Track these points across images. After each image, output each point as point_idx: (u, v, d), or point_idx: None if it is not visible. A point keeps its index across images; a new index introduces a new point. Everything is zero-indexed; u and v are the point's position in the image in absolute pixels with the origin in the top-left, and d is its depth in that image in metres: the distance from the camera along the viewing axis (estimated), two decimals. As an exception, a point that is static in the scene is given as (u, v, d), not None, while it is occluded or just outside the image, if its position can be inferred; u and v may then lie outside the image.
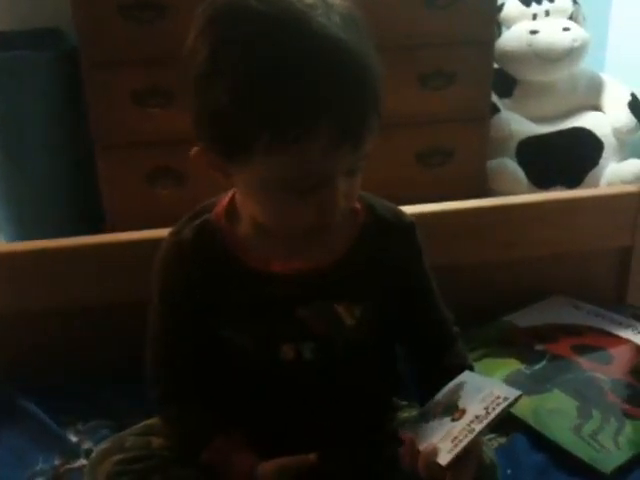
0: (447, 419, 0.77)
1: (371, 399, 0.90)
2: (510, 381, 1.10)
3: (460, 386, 0.80)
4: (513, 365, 1.14)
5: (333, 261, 0.83)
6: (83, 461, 0.98)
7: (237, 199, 0.84)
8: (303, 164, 0.71)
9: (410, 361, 0.92)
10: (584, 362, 1.16)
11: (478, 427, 0.74)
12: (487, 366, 1.14)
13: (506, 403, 0.75)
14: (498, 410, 0.75)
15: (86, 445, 1.02)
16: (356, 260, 0.84)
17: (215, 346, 0.85)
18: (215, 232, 0.83)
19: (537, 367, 1.14)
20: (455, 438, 0.74)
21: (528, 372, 1.13)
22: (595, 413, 1.03)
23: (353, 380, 0.87)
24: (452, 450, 0.73)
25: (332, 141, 0.69)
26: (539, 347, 1.19)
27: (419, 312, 0.89)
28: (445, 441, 0.75)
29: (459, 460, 0.73)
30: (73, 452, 1.01)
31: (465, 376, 0.82)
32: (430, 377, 0.86)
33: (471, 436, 0.73)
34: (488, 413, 0.75)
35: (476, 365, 1.11)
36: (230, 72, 0.69)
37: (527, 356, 1.16)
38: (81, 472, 0.95)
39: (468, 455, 0.74)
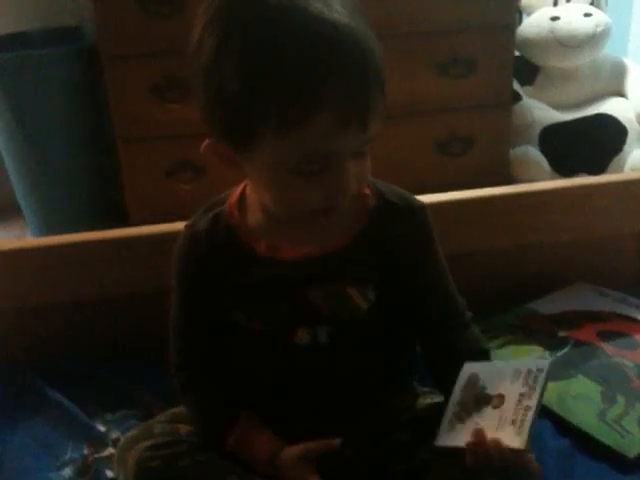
0: (487, 409, 0.77)
1: (385, 384, 0.90)
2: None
3: (474, 378, 0.80)
4: (536, 351, 1.13)
5: (343, 245, 0.84)
6: (111, 450, 0.99)
7: (248, 190, 0.87)
8: (310, 146, 0.72)
9: (423, 346, 0.92)
10: (609, 348, 1.15)
11: (532, 402, 0.74)
12: (510, 353, 1.13)
13: (544, 373, 0.76)
14: (541, 381, 0.75)
15: (114, 434, 1.03)
16: (366, 244, 0.85)
17: (231, 332, 0.87)
18: (228, 223, 0.86)
19: (561, 353, 1.13)
20: (514, 421, 0.74)
21: (552, 358, 1.12)
22: (619, 398, 1.03)
23: (368, 364, 0.87)
24: (521, 431, 0.72)
25: (338, 122, 0.71)
26: (562, 333, 1.18)
27: (430, 295, 0.89)
28: (504, 427, 0.74)
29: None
30: (101, 441, 1.02)
31: (470, 368, 0.81)
32: (445, 361, 0.86)
33: (531, 412, 0.73)
34: (532, 387, 0.75)
35: (499, 352, 1.13)
36: (236, 58, 0.71)
37: (550, 342, 1.16)
38: (110, 461, 0.97)
39: None
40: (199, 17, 0.76)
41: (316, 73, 0.69)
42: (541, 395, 0.74)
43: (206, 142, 0.80)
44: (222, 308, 0.87)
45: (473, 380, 0.80)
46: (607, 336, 1.18)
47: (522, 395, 0.75)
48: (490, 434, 0.74)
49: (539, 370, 0.76)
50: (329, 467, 0.81)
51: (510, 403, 0.75)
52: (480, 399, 0.78)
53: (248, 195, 0.87)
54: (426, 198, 1.16)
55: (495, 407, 0.76)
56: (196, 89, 0.77)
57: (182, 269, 0.89)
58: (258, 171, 0.78)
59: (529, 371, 0.77)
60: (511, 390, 0.76)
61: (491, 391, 0.78)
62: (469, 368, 0.81)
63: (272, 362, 0.87)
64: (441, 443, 0.77)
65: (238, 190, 0.88)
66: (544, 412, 1.01)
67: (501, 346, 1.15)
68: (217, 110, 0.75)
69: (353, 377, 0.87)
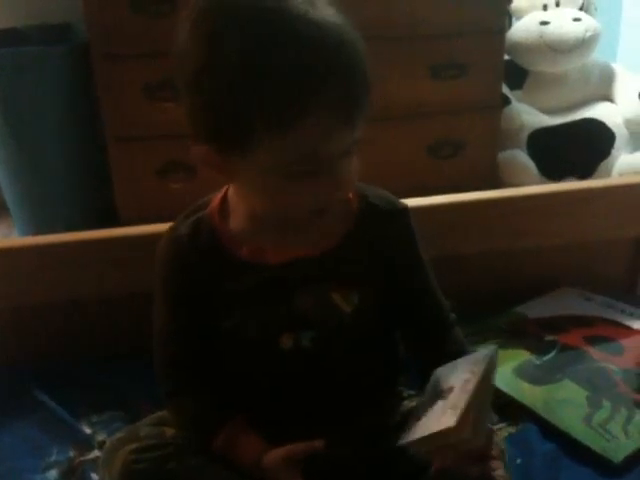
0: (438, 402, 0.78)
1: (372, 387, 0.91)
2: (520, 371, 1.10)
3: (437, 381, 0.81)
4: (523, 355, 1.14)
5: (327, 249, 0.84)
6: (97, 452, 0.99)
7: (230, 195, 0.86)
8: (300, 148, 0.73)
9: (409, 348, 0.92)
10: (595, 352, 1.16)
11: (471, 385, 0.75)
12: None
13: (488, 359, 0.77)
14: (483, 366, 0.76)
15: (100, 437, 1.03)
16: (351, 248, 0.85)
17: (221, 338, 0.87)
18: (210, 227, 0.86)
19: (547, 357, 1.14)
20: (453, 405, 0.74)
21: (538, 362, 1.13)
22: (605, 403, 1.03)
23: (352, 367, 0.87)
24: (455, 412, 0.73)
25: (326, 124, 0.72)
26: (549, 337, 1.19)
27: (415, 297, 0.90)
28: (445, 413, 0.75)
29: (470, 422, 0.73)
30: (87, 444, 1.02)
31: (437, 372, 0.82)
32: (430, 363, 0.86)
33: (467, 396, 0.74)
34: (475, 372, 0.76)
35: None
36: (231, 60, 0.71)
37: (537, 346, 1.16)
38: (95, 463, 0.96)
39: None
40: (183, 20, 0.75)
41: (316, 73, 0.70)
42: (483, 377, 0.75)
43: (194, 149, 0.79)
44: (210, 315, 0.86)
45: (436, 384, 0.81)
46: (593, 341, 1.19)
47: (466, 381, 0.76)
48: (433, 424, 0.74)
49: (485, 355, 0.78)
50: (324, 470, 0.82)
51: (455, 390, 0.76)
52: (435, 396, 0.79)
53: (230, 199, 0.86)
54: (420, 201, 1.17)
55: (444, 398, 0.77)
56: (183, 92, 0.76)
57: (167, 274, 0.88)
58: (250, 176, 0.78)
59: (476, 359, 0.78)
60: (458, 380, 0.77)
61: (444, 386, 0.79)
62: (436, 373, 0.82)
63: (262, 367, 0.87)
64: (400, 442, 0.78)
65: (219, 194, 0.88)
66: (530, 416, 1.03)
67: (488, 350, 1.16)
68: (208, 113, 0.75)
69: (340, 380, 0.87)
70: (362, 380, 0.89)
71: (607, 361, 1.13)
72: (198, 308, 0.86)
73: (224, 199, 0.87)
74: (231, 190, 0.86)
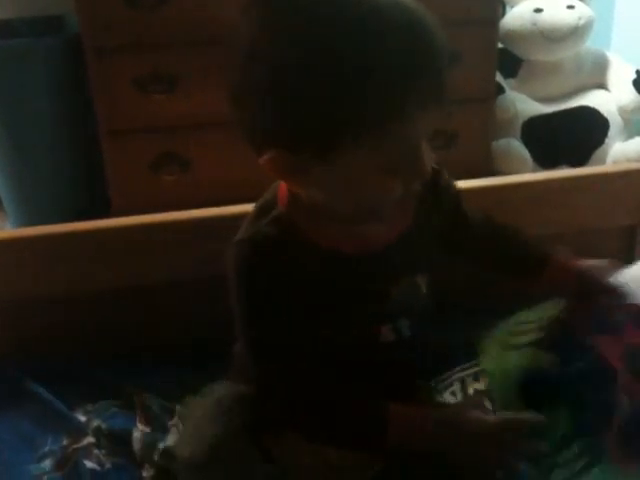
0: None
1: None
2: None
3: None
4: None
5: (402, 233, 0.82)
6: (91, 439, 0.99)
7: (302, 193, 0.80)
8: (404, 141, 0.70)
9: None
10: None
11: None
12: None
13: None
14: None
15: (94, 423, 1.02)
16: (420, 227, 0.84)
17: (317, 339, 0.81)
18: (293, 225, 0.79)
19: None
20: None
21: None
22: None
23: (428, 347, 0.89)
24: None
25: (429, 112, 0.70)
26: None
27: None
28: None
29: None
30: (81, 431, 1.01)
31: None
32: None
33: None
34: None
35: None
36: (340, 53, 0.66)
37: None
38: (89, 450, 0.97)
39: None
40: (245, 18, 0.70)
41: (426, 62, 0.69)
42: None
43: (267, 157, 0.71)
44: (309, 315, 0.79)
45: None
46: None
47: None
48: None
49: None
50: None
51: None
52: None
53: (300, 197, 0.79)
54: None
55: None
56: (252, 97, 0.70)
57: (260, 286, 0.78)
58: (339, 178, 0.73)
59: None
60: None
61: None
62: None
63: (354, 364, 0.82)
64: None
65: (282, 190, 0.81)
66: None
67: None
68: (302, 113, 0.68)
69: (416, 364, 0.88)
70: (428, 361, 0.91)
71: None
72: (296, 314, 0.79)
73: (291, 194, 0.79)
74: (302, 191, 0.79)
